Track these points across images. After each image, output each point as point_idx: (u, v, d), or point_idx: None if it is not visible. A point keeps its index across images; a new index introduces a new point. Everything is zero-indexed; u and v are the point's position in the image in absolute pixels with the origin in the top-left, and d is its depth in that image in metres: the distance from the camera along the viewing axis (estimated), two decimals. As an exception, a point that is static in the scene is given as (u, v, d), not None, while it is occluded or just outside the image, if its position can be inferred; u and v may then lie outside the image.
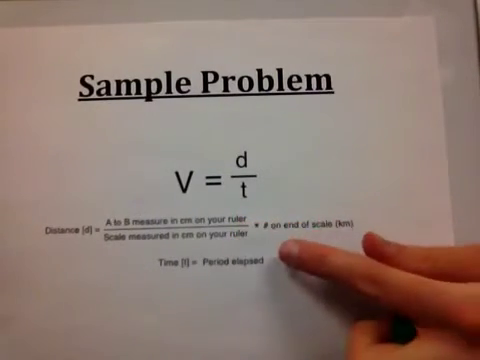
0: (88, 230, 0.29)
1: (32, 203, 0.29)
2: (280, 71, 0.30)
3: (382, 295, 0.24)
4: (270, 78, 0.30)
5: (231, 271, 0.28)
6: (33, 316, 0.28)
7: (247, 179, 0.29)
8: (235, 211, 0.29)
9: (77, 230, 0.29)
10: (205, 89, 0.30)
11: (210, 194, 0.29)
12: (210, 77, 0.30)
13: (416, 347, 0.23)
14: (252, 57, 0.30)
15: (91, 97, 0.30)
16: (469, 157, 0.29)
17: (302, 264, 0.27)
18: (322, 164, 0.29)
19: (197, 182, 0.29)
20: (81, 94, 0.30)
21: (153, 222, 0.29)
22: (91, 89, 0.30)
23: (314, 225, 0.29)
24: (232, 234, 0.29)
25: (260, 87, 0.30)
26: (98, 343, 0.28)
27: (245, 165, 0.29)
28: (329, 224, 0.29)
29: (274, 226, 0.29)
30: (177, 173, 0.29)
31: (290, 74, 0.30)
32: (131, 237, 0.29)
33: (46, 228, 0.29)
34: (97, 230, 0.29)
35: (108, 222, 0.29)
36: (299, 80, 0.30)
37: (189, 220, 0.29)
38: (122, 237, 0.29)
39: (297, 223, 0.29)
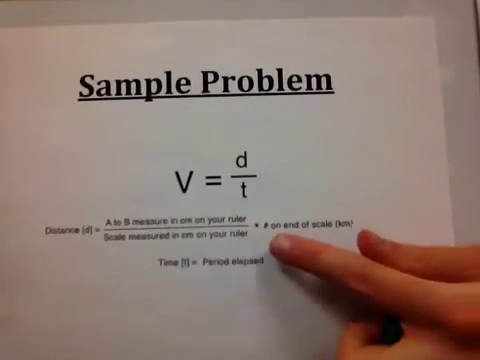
0: (88, 230, 0.29)
1: (32, 203, 0.29)
2: (280, 71, 0.30)
3: (374, 294, 0.24)
4: (270, 78, 0.30)
5: (231, 271, 0.28)
6: (33, 316, 0.28)
7: (247, 179, 0.29)
8: (235, 211, 0.29)
9: (77, 230, 0.29)
10: (205, 89, 0.30)
11: (210, 194, 0.29)
12: (210, 77, 0.30)
13: (403, 347, 0.23)
14: (252, 57, 0.30)
15: (91, 97, 0.30)
16: (469, 157, 0.29)
17: (293, 260, 0.27)
18: (322, 164, 0.29)
19: (197, 182, 0.29)
20: (81, 94, 0.30)
21: (153, 222, 0.29)
22: (91, 89, 0.30)
23: (314, 225, 0.29)
24: (232, 234, 0.29)
25: (260, 87, 0.30)
26: (98, 343, 0.28)
27: (245, 165, 0.29)
28: (329, 224, 0.29)
29: (274, 226, 0.29)
30: (177, 173, 0.29)
31: (290, 74, 0.30)
32: (131, 237, 0.29)
33: (46, 228, 0.29)
34: (97, 230, 0.29)
35: (108, 222, 0.29)
36: (299, 80, 0.30)
37: (189, 220, 0.29)
38: (122, 237, 0.29)
39: (297, 223, 0.29)
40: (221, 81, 0.30)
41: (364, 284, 0.24)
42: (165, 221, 0.29)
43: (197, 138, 0.29)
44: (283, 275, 0.28)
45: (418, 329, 0.23)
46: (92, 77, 0.30)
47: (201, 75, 0.30)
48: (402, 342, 0.23)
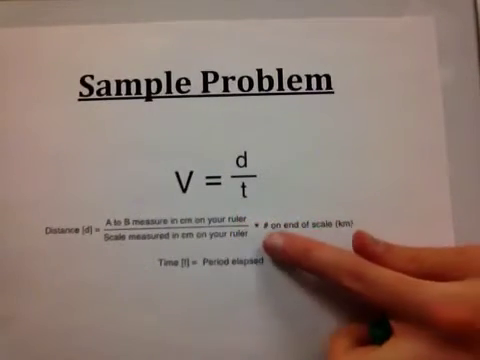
0: (88, 230, 0.29)
1: (32, 203, 0.29)
2: (280, 71, 0.30)
3: (366, 292, 0.24)
4: (270, 78, 0.30)
5: (231, 271, 0.28)
6: (33, 316, 0.28)
7: (247, 179, 0.29)
8: (235, 211, 0.29)
9: (77, 230, 0.29)
10: (205, 89, 0.30)
11: (210, 194, 0.29)
12: (210, 77, 0.30)
13: (392, 345, 0.23)
14: (252, 57, 0.30)
15: (91, 97, 0.30)
16: (469, 157, 0.29)
17: (287, 258, 0.27)
18: (322, 164, 0.29)
19: (197, 182, 0.29)
20: (81, 94, 0.30)
21: (153, 222, 0.29)
22: (91, 89, 0.30)
23: (314, 225, 0.29)
24: (232, 234, 0.29)
25: (260, 87, 0.30)
26: (98, 343, 0.28)
27: (245, 165, 0.29)
28: (329, 224, 0.29)
29: (274, 226, 0.29)
30: (177, 173, 0.29)
31: (290, 74, 0.30)
32: (131, 237, 0.29)
33: (46, 228, 0.29)
34: (97, 230, 0.29)
35: (108, 222, 0.29)
36: (299, 80, 0.30)
37: (189, 220, 0.29)
38: (122, 237, 0.29)
39: (297, 223, 0.29)
40: (221, 81, 0.30)
41: (357, 282, 0.24)
42: (165, 221, 0.29)
43: (197, 138, 0.29)
44: (283, 275, 0.28)
45: (408, 327, 0.23)
46: (92, 77, 0.30)
47: (201, 75, 0.30)
48: (392, 341, 0.24)
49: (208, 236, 0.29)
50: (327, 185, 0.29)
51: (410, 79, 0.30)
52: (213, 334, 0.28)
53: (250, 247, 0.28)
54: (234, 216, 0.29)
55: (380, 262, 0.25)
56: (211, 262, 0.28)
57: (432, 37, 0.30)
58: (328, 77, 0.30)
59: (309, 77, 0.30)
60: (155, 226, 0.29)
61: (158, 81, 0.30)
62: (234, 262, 0.28)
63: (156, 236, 0.29)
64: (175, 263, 0.28)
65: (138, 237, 0.29)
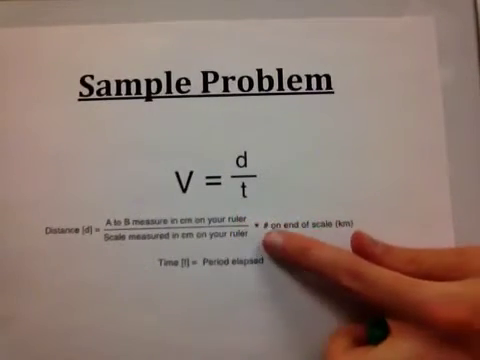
0: (88, 230, 0.29)
1: (32, 203, 0.29)
2: (280, 71, 0.30)
3: (364, 291, 0.24)
4: (270, 78, 0.30)
5: (231, 271, 0.28)
6: (33, 316, 0.28)
7: (247, 179, 0.29)
8: (235, 211, 0.29)
9: (77, 230, 0.29)
10: (205, 89, 0.30)
11: (210, 194, 0.29)
12: (210, 77, 0.30)
13: (390, 344, 0.23)
14: (252, 57, 0.30)
15: (91, 97, 0.30)
16: (469, 157, 0.29)
17: (286, 256, 0.27)
18: (322, 164, 0.29)
19: (197, 182, 0.29)
20: (81, 94, 0.30)
21: (153, 222, 0.29)
22: (91, 89, 0.30)
23: (314, 225, 0.29)
24: (232, 234, 0.29)
25: (260, 87, 0.30)
26: (98, 343, 0.28)
27: (245, 165, 0.29)
28: (329, 224, 0.29)
29: (274, 226, 0.29)
30: (177, 173, 0.29)
31: (290, 74, 0.30)
32: (131, 237, 0.29)
33: (46, 228, 0.29)
34: (97, 230, 0.29)
35: (108, 222, 0.29)
36: (299, 80, 0.30)
37: (189, 220, 0.29)
38: (122, 237, 0.29)
39: (297, 223, 0.29)
40: (221, 81, 0.30)
41: (355, 281, 0.24)
42: (165, 221, 0.29)
43: (197, 138, 0.29)
44: (283, 275, 0.28)
45: (405, 327, 0.23)
46: (92, 77, 0.30)
47: (201, 75, 0.30)
48: (389, 340, 0.24)
49: (208, 236, 0.29)
50: (327, 185, 0.29)
51: (410, 79, 0.30)
52: (213, 334, 0.28)
53: (250, 247, 0.28)
54: (234, 216, 0.29)
55: (379, 263, 0.25)
56: (211, 262, 0.28)
57: (432, 37, 0.30)
58: (328, 77, 0.30)
59: (309, 77, 0.30)
60: (155, 226, 0.29)
61: (158, 81, 0.30)
62: (234, 262, 0.28)
63: (156, 236, 0.29)
64: (175, 263, 0.28)
65: (138, 237, 0.29)
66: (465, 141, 0.29)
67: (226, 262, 0.28)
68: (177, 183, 0.29)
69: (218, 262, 0.28)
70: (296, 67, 0.30)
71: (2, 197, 0.29)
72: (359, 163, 0.29)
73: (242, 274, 0.28)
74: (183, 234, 0.29)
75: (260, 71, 0.30)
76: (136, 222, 0.29)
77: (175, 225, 0.29)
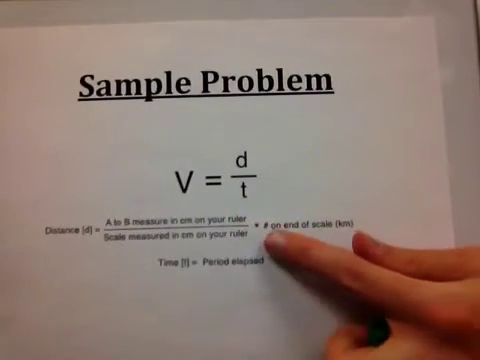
0: (88, 230, 0.29)
1: (32, 203, 0.29)
2: (280, 71, 0.30)
3: (363, 290, 0.24)
4: (270, 78, 0.30)
5: (231, 271, 0.28)
6: (33, 316, 0.28)
7: (247, 179, 0.29)
8: (235, 211, 0.29)
9: (77, 230, 0.29)
10: (205, 89, 0.30)
11: (210, 194, 0.29)
12: (210, 77, 0.30)
13: (391, 345, 0.23)
14: (252, 57, 0.30)
15: (91, 97, 0.30)
16: (469, 157, 0.29)
17: (287, 256, 0.27)
18: (322, 164, 0.29)
19: (197, 182, 0.29)
20: (81, 94, 0.30)
21: (153, 222, 0.29)
22: (91, 89, 0.30)
23: (314, 225, 0.29)
24: (232, 234, 0.29)
25: (260, 87, 0.30)
26: (98, 343, 0.28)
27: (245, 165, 0.29)
28: (329, 224, 0.29)
29: (274, 226, 0.29)
30: (177, 173, 0.29)
31: (290, 74, 0.30)
32: (131, 237, 0.29)
33: (46, 228, 0.29)
34: (97, 230, 0.29)
35: (108, 222, 0.29)
36: (299, 80, 0.30)
37: (189, 220, 0.29)
38: (122, 237, 0.29)
39: (297, 223, 0.29)
40: (221, 81, 0.30)
41: (356, 281, 0.24)
42: (165, 221, 0.29)
43: (197, 138, 0.29)
44: (283, 275, 0.28)
45: (405, 327, 0.23)
46: (92, 77, 0.30)
47: (201, 75, 0.30)
48: (390, 341, 0.24)
49: (208, 236, 0.29)
50: (327, 185, 0.29)
51: (410, 79, 0.30)
52: (213, 334, 0.28)
53: (250, 247, 0.28)
54: (234, 216, 0.29)
55: (380, 264, 0.25)
56: (211, 262, 0.28)
57: (432, 37, 0.30)
58: (328, 77, 0.30)
59: (309, 77, 0.30)
60: (155, 226, 0.29)
61: (158, 81, 0.30)
62: (234, 262, 0.28)
63: (156, 236, 0.29)
64: (175, 263, 0.28)
65: (138, 237, 0.29)
66: (465, 141, 0.29)
67: (226, 262, 0.28)
68: (177, 183, 0.29)
69: (218, 262, 0.28)
70: (296, 67, 0.30)
71: (2, 197, 0.29)
72: (359, 163, 0.29)
73: (242, 274, 0.28)
74: (183, 234, 0.29)
75: (260, 71, 0.30)
76: (136, 222, 0.29)
77: (175, 225, 0.29)
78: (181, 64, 0.30)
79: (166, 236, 0.29)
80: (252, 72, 0.30)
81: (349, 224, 0.29)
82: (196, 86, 0.30)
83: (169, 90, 0.30)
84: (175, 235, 0.29)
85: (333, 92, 0.30)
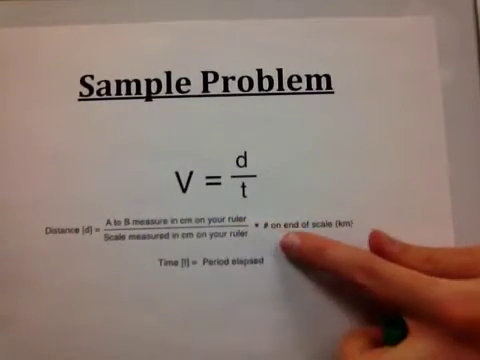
0: (88, 230, 0.29)
1: (32, 203, 0.29)
2: (280, 71, 0.30)
3: (378, 288, 0.24)
4: (270, 78, 0.30)
5: (231, 271, 0.28)
6: (33, 316, 0.28)
7: (247, 179, 0.29)
8: (235, 211, 0.29)
9: (77, 230, 0.29)
10: (205, 89, 0.30)
11: (210, 194, 0.29)
12: (210, 77, 0.30)
13: (408, 345, 0.23)
14: (252, 57, 0.30)
15: (91, 97, 0.30)
16: (469, 157, 0.29)
17: (302, 256, 0.27)
18: (322, 164, 0.29)
19: (197, 182, 0.29)
20: (81, 94, 0.30)
21: (153, 222, 0.29)
22: (91, 89, 0.30)
23: (314, 225, 0.29)
24: (232, 234, 0.29)
25: (260, 87, 0.30)
26: (98, 343, 0.28)
27: (245, 165, 0.29)
28: (329, 224, 0.29)
29: (274, 226, 0.29)
30: (177, 173, 0.29)
31: (290, 74, 0.30)
32: (131, 237, 0.29)
33: (46, 228, 0.29)
34: (97, 230, 0.29)
35: (108, 222, 0.29)
36: (299, 80, 0.30)
37: (189, 220, 0.29)
38: (122, 237, 0.29)
39: (297, 223, 0.29)
40: (221, 81, 0.30)
41: (371, 279, 0.24)
42: (165, 221, 0.29)
43: (197, 138, 0.29)
44: (283, 275, 0.28)
45: (422, 326, 0.23)
46: (92, 77, 0.30)
47: (201, 75, 0.30)
48: (407, 340, 0.23)
49: (208, 236, 0.29)
50: (327, 185, 0.29)
51: (410, 79, 0.30)
52: (213, 334, 0.28)
53: (250, 247, 0.28)
54: (234, 216, 0.29)
55: (396, 262, 0.25)
56: (211, 262, 0.28)
57: (432, 37, 0.30)
58: (328, 77, 0.30)
59: (309, 77, 0.30)
60: (155, 226, 0.29)
61: (158, 81, 0.30)
62: (234, 262, 0.28)
63: (156, 236, 0.29)
64: (175, 263, 0.28)
65: (138, 237, 0.29)
66: (465, 141, 0.29)
67: (226, 262, 0.28)
68: (177, 183, 0.29)
69: (218, 262, 0.28)
70: (296, 67, 0.30)
71: (2, 197, 0.29)
72: (359, 163, 0.29)
73: (242, 274, 0.28)
74: (183, 234, 0.29)
75: (260, 71, 0.30)
76: (136, 222, 0.29)
77: (175, 225, 0.29)
78: (181, 64, 0.30)
79: (166, 236, 0.29)
80: (252, 72, 0.30)
81: (349, 224, 0.29)
82: (196, 86, 0.30)
83: (169, 90, 0.30)
84: (175, 235, 0.29)
85: (333, 92, 0.30)
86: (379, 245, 0.26)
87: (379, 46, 0.30)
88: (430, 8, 0.30)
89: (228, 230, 0.29)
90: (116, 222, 0.29)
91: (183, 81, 0.30)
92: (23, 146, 0.29)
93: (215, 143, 0.29)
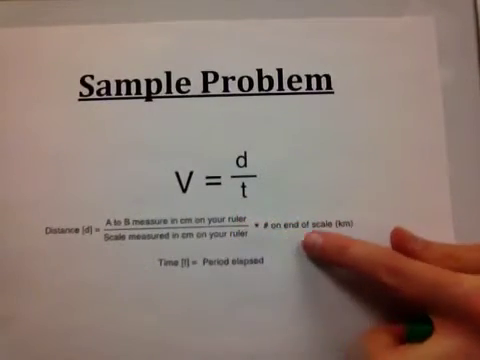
0: (88, 230, 0.29)
1: (32, 203, 0.29)
2: (280, 71, 0.30)
3: (403, 286, 0.24)
4: (270, 78, 0.30)
5: (231, 271, 0.28)
6: (33, 316, 0.28)
7: (247, 179, 0.29)
8: (235, 211, 0.29)
9: (77, 230, 0.29)
10: (205, 89, 0.30)
11: (210, 194, 0.29)
12: (210, 77, 0.30)
13: (435, 341, 0.23)
14: (252, 57, 0.30)
15: (91, 97, 0.30)
16: (469, 157, 0.29)
17: (324, 255, 0.27)
18: (322, 164, 0.29)
19: (197, 182, 0.29)
20: (81, 94, 0.30)
21: (153, 222, 0.29)
22: (91, 89, 0.30)
23: (314, 225, 0.29)
24: (232, 234, 0.29)
25: (260, 87, 0.30)
26: (98, 343, 0.28)
27: (245, 165, 0.29)
28: (329, 224, 0.29)
29: (274, 226, 0.29)
30: (177, 173, 0.29)
31: (290, 74, 0.30)
32: (131, 237, 0.29)
33: (46, 228, 0.29)
34: (97, 230, 0.29)
35: (108, 222, 0.29)
36: (299, 80, 0.30)
37: (189, 220, 0.29)
38: (122, 237, 0.29)
39: (297, 223, 0.29)
40: (221, 81, 0.30)
41: (395, 277, 0.24)
42: (165, 221, 0.29)
43: (197, 138, 0.29)
44: (283, 275, 0.28)
45: (447, 323, 0.23)
46: (92, 77, 0.30)
47: (201, 75, 0.30)
48: (433, 337, 0.23)
49: (208, 236, 0.29)
50: (327, 185, 0.29)
51: (410, 79, 0.30)
52: (213, 334, 0.28)
53: (250, 247, 0.28)
54: (234, 216, 0.29)
55: (418, 259, 0.25)
56: (211, 262, 0.28)
57: (432, 37, 0.30)
58: (328, 77, 0.30)
59: (309, 77, 0.30)
60: (155, 226, 0.29)
61: (158, 81, 0.30)
62: (234, 262, 0.28)
63: (156, 236, 0.29)
64: (175, 263, 0.28)
65: (138, 237, 0.29)
66: (465, 141, 0.29)
67: (226, 262, 0.28)
68: (177, 183, 0.29)
69: (218, 262, 0.28)
70: (296, 67, 0.30)
71: (2, 197, 0.29)
72: (359, 163, 0.29)
73: (242, 274, 0.28)
74: (183, 234, 0.29)
75: (260, 71, 0.30)
76: (136, 222, 0.29)
77: (175, 225, 0.29)
78: (181, 64, 0.30)
79: (166, 236, 0.29)
80: (252, 72, 0.30)
81: (349, 224, 0.29)
82: (196, 86, 0.30)
83: (169, 90, 0.30)
84: (175, 235, 0.29)
85: (333, 92, 0.30)
86: (401, 242, 0.26)
87: (379, 46, 0.30)
88: (430, 8, 0.30)
89: (228, 230, 0.29)
90: (116, 222, 0.29)
91: (183, 81, 0.30)
92: (23, 146, 0.29)
93: (215, 143, 0.29)
